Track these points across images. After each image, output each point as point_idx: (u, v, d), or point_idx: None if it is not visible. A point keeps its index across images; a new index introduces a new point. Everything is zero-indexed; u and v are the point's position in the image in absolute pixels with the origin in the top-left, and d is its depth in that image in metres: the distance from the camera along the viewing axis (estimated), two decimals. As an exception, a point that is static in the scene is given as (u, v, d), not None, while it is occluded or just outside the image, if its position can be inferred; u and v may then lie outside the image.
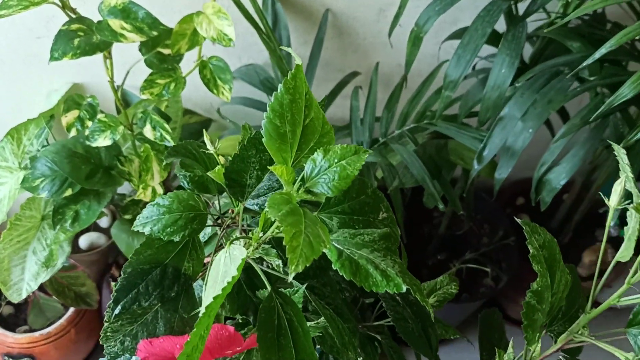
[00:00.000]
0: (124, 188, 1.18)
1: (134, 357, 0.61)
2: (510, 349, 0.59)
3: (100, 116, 0.99)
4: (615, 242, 1.58)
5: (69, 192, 1.03)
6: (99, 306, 1.35)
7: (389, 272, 0.48)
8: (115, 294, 0.59)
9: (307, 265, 0.42)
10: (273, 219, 0.43)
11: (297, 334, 0.55)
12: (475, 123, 1.18)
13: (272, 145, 0.48)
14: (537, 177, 0.90)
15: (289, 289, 0.63)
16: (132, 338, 0.60)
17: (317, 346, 0.76)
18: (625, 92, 0.73)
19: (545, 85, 0.94)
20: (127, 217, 1.13)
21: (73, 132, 0.94)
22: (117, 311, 0.59)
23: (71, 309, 1.34)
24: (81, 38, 0.86)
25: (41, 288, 1.31)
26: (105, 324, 0.59)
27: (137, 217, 0.62)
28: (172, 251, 0.61)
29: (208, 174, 0.58)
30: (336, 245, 0.49)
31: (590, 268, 1.52)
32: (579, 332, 0.54)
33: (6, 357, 1.32)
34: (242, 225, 0.64)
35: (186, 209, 0.61)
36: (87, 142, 0.99)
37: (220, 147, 1.23)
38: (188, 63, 1.00)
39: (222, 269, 0.50)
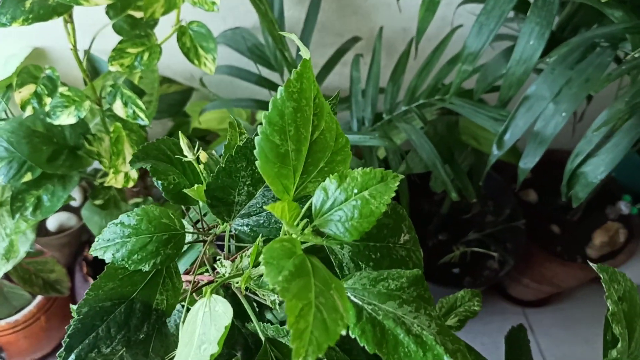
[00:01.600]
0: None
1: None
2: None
3: (62, 90, 0.85)
4: (627, 221, 1.49)
5: (28, 177, 0.89)
6: (71, 292, 1.23)
7: (426, 337, 0.36)
8: (67, 339, 0.46)
9: (320, 356, 0.30)
10: (272, 285, 0.31)
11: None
12: (492, 99, 1.05)
13: (270, 170, 0.35)
14: (570, 168, 0.78)
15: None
16: (91, 391, 0.48)
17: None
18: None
19: (581, 60, 0.81)
20: (97, 202, 1.00)
21: (28, 111, 0.80)
22: (70, 360, 0.47)
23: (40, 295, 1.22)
24: (34, 0, 0.71)
25: (5, 275, 1.19)
26: (57, 376, 0.47)
27: (96, 239, 0.49)
28: (140, 282, 0.49)
29: (185, 191, 0.46)
30: (353, 298, 0.37)
31: (601, 249, 1.42)
32: None
33: (-31, 347, 1.21)
34: (229, 247, 0.52)
35: (158, 229, 0.48)
36: (49, 120, 0.85)
37: (202, 120, 1.10)
38: (164, 28, 0.85)
39: (200, 329, 0.38)
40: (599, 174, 0.76)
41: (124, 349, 0.48)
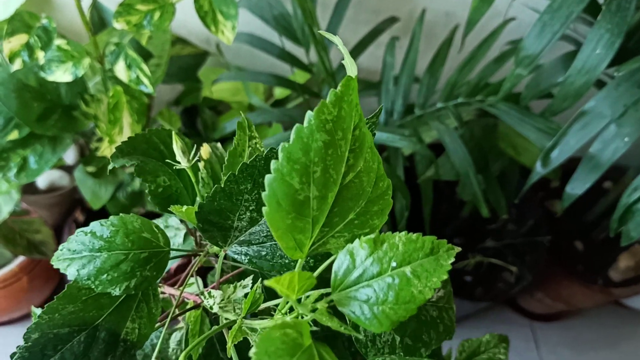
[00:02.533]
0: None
1: None
2: None
3: (60, 42, 0.75)
4: (656, 246, 1.38)
5: (14, 136, 0.80)
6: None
7: None
8: (11, 370, 0.38)
9: None
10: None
11: None
12: (537, 106, 0.94)
13: (280, 221, 0.26)
14: (625, 203, 0.68)
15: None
16: None
17: None
18: None
19: (654, 79, 0.70)
20: (90, 169, 0.91)
21: (17, 65, 0.70)
22: (13, 394, 0.38)
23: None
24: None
25: (-12, 230, 1.11)
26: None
27: (60, 247, 0.40)
28: (108, 306, 0.40)
29: (171, 209, 0.36)
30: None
31: (625, 273, 1.33)
32: None
33: (-54, 300, 1.14)
34: (221, 275, 0.43)
35: (136, 245, 0.39)
36: (42, 74, 0.75)
37: (215, 90, 1.00)
38: (181, -15, 0.75)
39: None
40: (660, 215, 0.65)
41: (81, 384, 0.40)
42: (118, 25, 0.70)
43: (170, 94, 1.11)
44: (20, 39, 0.70)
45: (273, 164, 0.25)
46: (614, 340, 1.58)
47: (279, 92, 1.03)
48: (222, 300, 0.41)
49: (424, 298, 0.25)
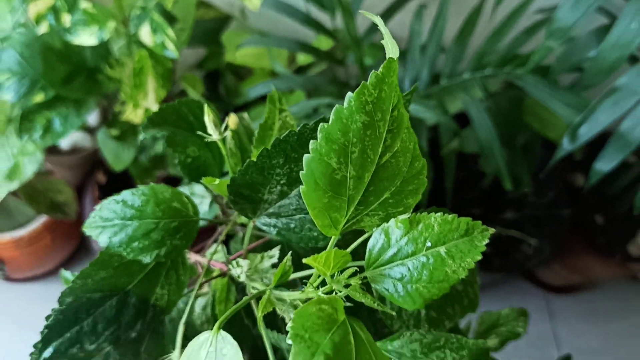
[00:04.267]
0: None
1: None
2: None
3: (86, 6, 0.75)
4: (678, 222, 1.37)
5: (40, 98, 0.81)
6: (80, 215, 1.17)
7: None
8: (45, 330, 0.39)
9: None
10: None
11: None
12: (564, 79, 0.92)
13: (317, 200, 0.26)
14: (651, 182, 0.67)
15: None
16: (68, 388, 0.41)
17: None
18: None
19: (689, 55, 0.68)
20: (114, 133, 0.91)
21: (43, 28, 0.70)
22: (47, 354, 0.39)
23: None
24: None
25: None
26: (30, 371, 0.40)
27: (90, 215, 0.40)
28: (138, 273, 0.41)
29: (202, 181, 0.36)
30: (398, 368, 0.29)
31: (644, 249, 1.32)
32: None
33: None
34: (248, 243, 0.43)
35: (167, 214, 0.40)
36: (68, 37, 0.75)
37: (238, 55, 0.99)
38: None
39: (202, 374, 0.30)
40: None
41: (111, 346, 0.41)
42: (144, -13, 0.70)
43: (193, 58, 1.10)
44: (46, 2, 0.70)
45: (312, 144, 0.25)
46: (626, 312, 1.58)
47: (302, 59, 1.02)
48: (249, 269, 0.41)
49: (458, 278, 0.26)
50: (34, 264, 1.22)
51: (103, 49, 0.83)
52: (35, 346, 0.39)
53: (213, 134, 0.39)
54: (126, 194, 0.40)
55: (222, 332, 0.30)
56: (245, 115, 0.50)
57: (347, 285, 0.28)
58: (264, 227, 0.39)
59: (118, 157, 1.01)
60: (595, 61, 0.72)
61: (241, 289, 0.49)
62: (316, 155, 0.25)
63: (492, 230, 0.26)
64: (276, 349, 0.47)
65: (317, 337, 0.23)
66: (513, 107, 0.88)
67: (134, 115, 0.80)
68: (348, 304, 0.27)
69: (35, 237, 1.15)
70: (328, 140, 0.25)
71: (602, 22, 0.78)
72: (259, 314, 0.33)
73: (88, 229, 0.40)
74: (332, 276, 0.28)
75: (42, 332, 0.39)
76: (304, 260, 0.24)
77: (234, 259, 0.43)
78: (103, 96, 0.98)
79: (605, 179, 1.32)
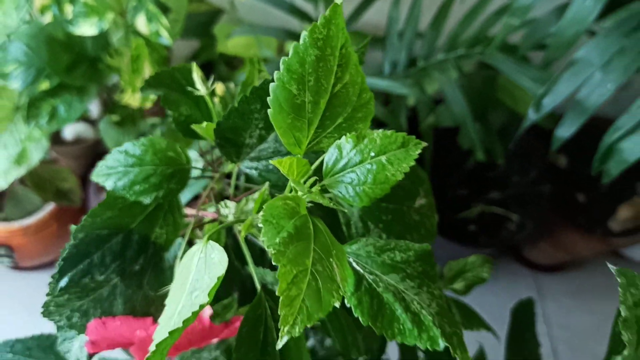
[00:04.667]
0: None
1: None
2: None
3: (86, -3, 0.81)
4: (655, 199, 1.43)
5: (46, 85, 0.87)
6: (84, 203, 1.23)
7: (423, 317, 0.34)
8: (61, 262, 0.45)
9: (309, 325, 0.28)
10: (268, 247, 0.28)
11: (288, 349, 0.42)
12: (537, 57, 0.99)
13: (282, 120, 0.32)
14: (607, 142, 0.73)
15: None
16: (81, 315, 0.47)
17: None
18: None
19: (639, 29, 0.74)
20: (115, 118, 0.98)
21: (48, 18, 0.76)
22: (63, 284, 0.46)
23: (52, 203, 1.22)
24: None
25: (21, 179, 1.19)
26: (48, 298, 0.46)
27: (98, 165, 0.47)
28: (139, 214, 0.47)
29: (192, 127, 0.43)
30: (355, 265, 0.35)
31: (624, 224, 1.38)
32: None
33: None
34: (236, 187, 0.50)
35: (163, 162, 0.46)
36: (71, 27, 0.82)
37: (230, 45, 1.06)
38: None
39: (193, 275, 0.36)
40: (637, 152, 0.71)
41: (118, 278, 0.47)
42: (140, -20, 0.76)
43: (187, 50, 1.17)
44: (51, -6, 0.77)
45: (275, 74, 0.31)
46: (614, 289, 1.64)
47: (290, 47, 1.08)
48: (236, 211, 0.48)
49: (396, 179, 0.32)
50: (42, 252, 1.29)
51: (103, 39, 0.89)
52: (52, 277, 0.46)
53: (201, 89, 0.45)
54: (128, 145, 0.46)
55: (211, 242, 0.37)
56: (232, 84, 0.56)
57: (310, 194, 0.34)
58: (247, 170, 0.46)
59: (119, 144, 1.07)
60: (556, 37, 0.79)
61: (231, 234, 0.55)
62: (279, 83, 0.31)
63: (424, 144, 0.33)
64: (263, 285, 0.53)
65: (282, 222, 0.30)
66: (486, 86, 0.95)
67: (132, 99, 0.87)
68: (319, 199, 0.33)
69: (42, 224, 1.22)
70: (288, 71, 0.31)
71: (562, 1, 0.85)
72: (242, 234, 0.40)
73: (96, 176, 0.46)
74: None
75: (58, 264, 0.45)
76: (271, 161, 0.31)
77: (224, 202, 0.49)
78: (104, 88, 1.05)
79: (586, 159, 1.39)
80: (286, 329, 0.27)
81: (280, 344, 0.27)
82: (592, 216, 1.39)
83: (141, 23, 0.81)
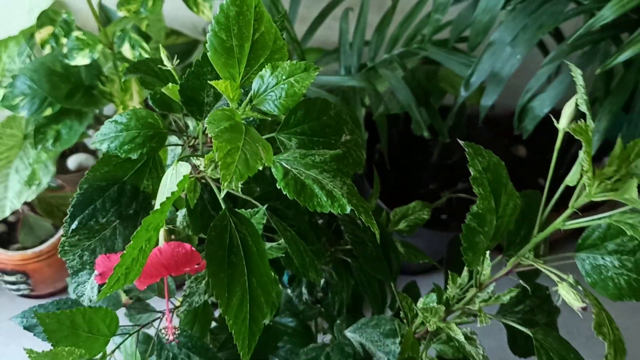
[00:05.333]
0: (111, 109, 1.16)
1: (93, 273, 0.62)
2: (465, 272, 0.59)
3: (77, 34, 0.97)
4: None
5: (49, 112, 1.02)
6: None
7: (335, 193, 0.47)
8: (71, 209, 0.58)
9: (242, 181, 0.41)
10: (210, 134, 0.42)
11: (251, 253, 0.55)
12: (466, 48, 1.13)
13: (218, 60, 0.46)
14: (521, 104, 0.87)
15: (249, 210, 0.63)
16: (90, 253, 0.60)
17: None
18: (606, 14, 0.69)
19: (539, 9, 0.89)
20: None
21: (47, 50, 0.92)
22: (73, 226, 0.59)
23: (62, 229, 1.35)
24: (51, -52, 0.83)
25: (32, 208, 1.33)
26: (63, 239, 0.59)
27: (95, 134, 0.60)
28: (130, 169, 0.60)
29: (162, 89, 0.57)
30: (284, 164, 0.48)
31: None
32: (526, 256, 0.53)
33: (0, 273, 1.35)
34: (205, 144, 0.63)
35: (145, 126, 0.60)
36: (66, 61, 0.97)
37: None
38: (168, -21, 0.96)
39: (168, 182, 0.49)
40: (545, 107, 0.85)
41: (117, 220, 0.60)
42: (121, 12, 0.92)
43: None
44: (47, 30, 0.92)
45: (209, 27, 0.45)
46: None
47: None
48: (206, 163, 0.61)
49: (301, 93, 0.45)
50: (54, 276, 1.41)
51: (95, 69, 1.04)
52: (64, 221, 0.59)
53: (167, 64, 0.59)
54: (116, 116, 0.60)
55: (181, 162, 0.50)
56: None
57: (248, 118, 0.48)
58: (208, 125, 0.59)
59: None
60: (474, 25, 0.94)
61: (207, 189, 0.68)
62: (213, 32, 0.45)
63: (320, 68, 0.46)
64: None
65: (221, 122, 0.43)
66: (429, 77, 1.09)
67: (124, 115, 1.01)
68: (251, 114, 0.46)
69: (54, 249, 1.34)
70: (218, 23, 0.45)
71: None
72: (205, 161, 0.53)
73: (94, 143, 0.60)
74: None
75: (69, 211, 0.58)
76: (212, 82, 0.44)
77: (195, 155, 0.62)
78: (102, 117, 1.19)
79: (542, 149, 1.53)
80: (225, 184, 0.40)
81: (222, 194, 0.40)
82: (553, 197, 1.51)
83: (126, 50, 0.97)
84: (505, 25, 0.92)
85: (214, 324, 0.87)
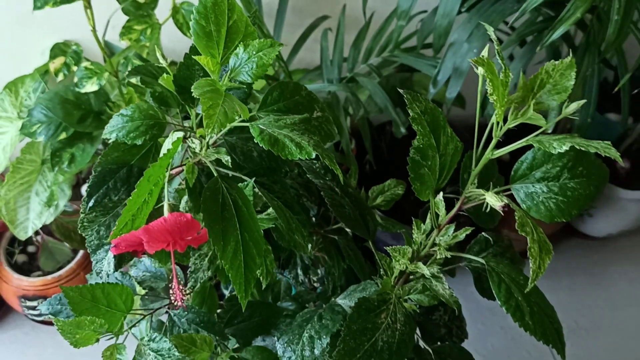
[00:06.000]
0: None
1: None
2: (428, 220, 0.68)
3: (86, 64, 1.09)
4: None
5: (63, 135, 1.13)
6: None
7: (303, 144, 0.57)
8: (88, 189, 0.69)
9: (223, 129, 0.51)
10: (196, 95, 0.52)
11: (242, 212, 0.65)
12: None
13: (200, 43, 0.57)
14: (481, 90, 0.97)
15: (240, 184, 0.73)
16: (106, 228, 0.70)
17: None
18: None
19: (489, 9, 1.01)
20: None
21: (60, 77, 1.04)
22: (91, 204, 0.69)
23: (80, 253, 1.45)
24: (59, -11, 0.96)
25: (50, 234, 1.43)
26: (82, 215, 0.69)
27: (105, 127, 0.71)
28: (136, 154, 0.71)
29: (159, 81, 0.68)
30: (260, 126, 0.59)
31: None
32: (469, 189, 0.62)
33: (23, 299, 1.45)
34: (196, 127, 0.74)
35: (146, 117, 0.70)
36: (77, 89, 1.09)
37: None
38: (164, 12, 1.09)
39: (164, 151, 0.60)
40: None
41: (128, 198, 0.70)
42: (123, 41, 1.04)
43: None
44: (60, 60, 1.05)
45: (192, 16, 0.57)
46: (584, 266, 1.83)
47: (257, 84, 1.35)
48: (202, 146, 0.72)
49: (269, 63, 0.56)
50: (73, 299, 1.50)
51: (104, 96, 1.16)
52: (82, 200, 0.69)
53: (162, 62, 0.71)
54: (122, 110, 0.71)
55: (176, 132, 0.60)
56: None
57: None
58: (201, 112, 0.70)
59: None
60: (436, 29, 1.06)
61: (204, 173, 0.78)
62: (194, 20, 0.56)
63: (283, 45, 0.57)
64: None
65: (204, 87, 0.54)
66: (403, 82, 1.21)
67: (130, 133, 1.12)
68: (231, 84, 0.57)
69: (72, 273, 1.44)
70: (197, 12, 0.56)
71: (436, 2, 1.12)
72: (197, 134, 0.63)
73: (105, 135, 0.71)
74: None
75: (86, 191, 0.69)
76: (195, 57, 0.55)
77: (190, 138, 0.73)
78: (108, 142, 1.30)
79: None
80: (209, 130, 0.51)
81: (207, 140, 0.50)
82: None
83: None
84: (462, 26, 1.03)
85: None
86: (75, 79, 1.08)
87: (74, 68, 1.05)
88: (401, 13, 1.05)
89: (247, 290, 0.64)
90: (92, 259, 0.75)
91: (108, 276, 0.75)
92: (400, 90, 0.58)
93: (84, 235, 0.71)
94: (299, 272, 0.96)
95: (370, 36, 1.25)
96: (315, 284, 1.10)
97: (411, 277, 0.73)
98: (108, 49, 1.26)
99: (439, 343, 0.77)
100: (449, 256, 0.65)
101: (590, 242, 1.88)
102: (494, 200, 0.54)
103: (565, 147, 0.49)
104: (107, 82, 1.13)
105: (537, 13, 0.97)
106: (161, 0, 1.09)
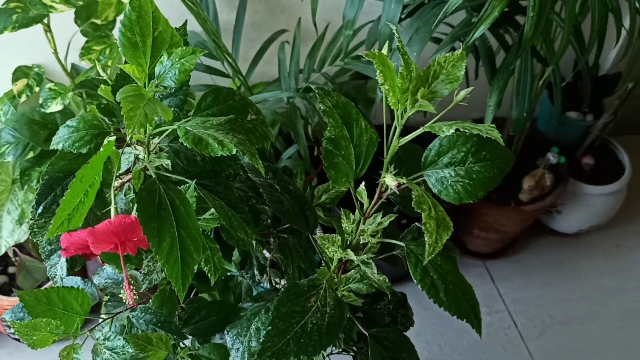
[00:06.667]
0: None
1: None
2: (357, 211, 0.72)
3: (50, 85, 1.14)
4: (556, 169, 1.70)
5: (31, 155, 1.18)
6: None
7: (225, 142, 0.62)
8: (36, 196, 0.73)
9: (142, 129, 0.56)
10: (119, 99, 0.57)
11: (179, 212, 0.69)
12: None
13: (127, 53, 0.62)
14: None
15: (182, 186, 0.77)
16: (56, 233, 0.74)
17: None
18: (455, 1, 0.86)
19: (428, 14, 1.06)
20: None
21: (23, 98, 1.09)
22: (39, 210, 0.73)
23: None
24: (19, 14, 1.01)
25: (26, 252, 1.47)
26: (31, 222, 0.73)
27: (53, 138, 0.76)
28: (82, 162, 0.75)
29: (98, 91, 0.72)
30: (187, 127, 0.63)
31: (530, 193, 1.64)
32: (385, 176, 0.66)
33: (4, 319, 1.48)
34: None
35: (91, 127, 0.75)
36: (43, 110, 1.14)
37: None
38: (121, 31, 1.14)
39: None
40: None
41: (75, 204, 0.75)
42: (83, 62, 1.10)
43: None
44: (22, 82, 1.10)
45: (118, 29, 0.62)
46: (556, 262, 1.87)
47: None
48: (145, 152, 0.76)
49: (191, 68, 0.61)
50: (53, 316, 1.53)
51: (70, 115, 1.21)
52: (32, 207, 0.73)
53: (102, 74, 0.75)
54: (68, 122, 0.76)
55: (109, 138, 0.65)
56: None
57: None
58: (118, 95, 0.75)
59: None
60: (381, 36, 1.11)
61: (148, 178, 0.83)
62: (120, 32, 0.61)
63: (204, 51, 0.62)
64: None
65: (129, 92, 0.58)
66: (358, 89, 1.26)
67: (94, 149, 1.17)
68: (157, 90, 0.62)
69: (49, 290, 1.47)
70: (123, 25, 0.61)
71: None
72: (132, 136, 0.68)
73: (54, 144, 0.75)
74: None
75: (34, 198, 0.73)
76: (120, 66, 0.60)
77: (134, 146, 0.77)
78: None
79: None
80: (129, 131, 0.55)
81: (129, 139, 0.55)
82: (502, 192, 1.65)
83: (91, 93, 1.14)
84: (404, 32, 1.09)
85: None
86: (40, 100, 1.13)
87: (36, 89, 1.10)
88: (347, 23, 1.10)
89: (184, 283, 0.68)
90: (46, 264, 0.79)
91: (62, 280, 0.79)
92: (312, 87, 0.63)
93: (35, 241, 0.75)
94: (256, 272, 1.00)
95: (324, 47, 1.30)
96: (277, 285, 1.14)
97: (349, 266, 0.78)
98: (74, 71, 1.31)
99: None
100: (373, 242, 0.69)
101: (562, 239, 1.92)
102: (390, 181, 0.59)
103: (451, 130, 0.54)
104: (73, 101, 1.18)
105: (471, 15, 1.02)
106: (119, 19, 1.14)
